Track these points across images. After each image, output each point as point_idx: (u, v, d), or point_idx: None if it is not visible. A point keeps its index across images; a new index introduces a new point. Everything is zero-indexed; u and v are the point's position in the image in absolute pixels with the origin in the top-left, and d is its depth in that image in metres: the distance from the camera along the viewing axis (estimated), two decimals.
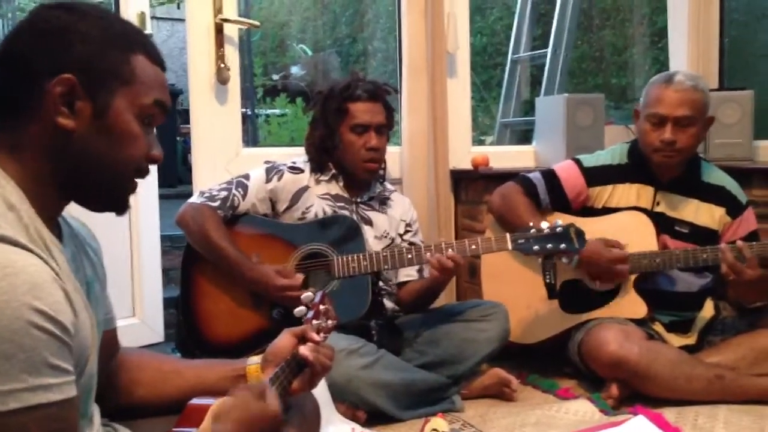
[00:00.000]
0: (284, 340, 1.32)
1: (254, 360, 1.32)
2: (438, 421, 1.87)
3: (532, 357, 2.56)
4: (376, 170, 2.40)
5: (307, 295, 1.46)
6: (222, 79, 2.71)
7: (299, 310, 1.46)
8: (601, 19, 4.52)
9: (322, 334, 1.40)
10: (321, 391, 1.80)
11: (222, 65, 2.70)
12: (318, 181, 2.38)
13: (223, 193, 2.28)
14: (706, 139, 2.99)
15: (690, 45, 3.24)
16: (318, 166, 2.38)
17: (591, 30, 4.51)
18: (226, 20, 2.70)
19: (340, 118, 2.33)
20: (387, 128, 2.39)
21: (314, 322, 1.39)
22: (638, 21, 4.26)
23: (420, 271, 2.42)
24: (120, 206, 1.09)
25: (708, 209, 2.45)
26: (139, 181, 1.09)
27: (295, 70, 6.68)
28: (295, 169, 2.38)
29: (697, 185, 2.47)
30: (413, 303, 2.39)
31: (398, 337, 2.34)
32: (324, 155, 2.38)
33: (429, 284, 2.31)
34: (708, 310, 2.48)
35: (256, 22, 3.32)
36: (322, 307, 1.45)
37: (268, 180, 2.33)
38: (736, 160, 2.95)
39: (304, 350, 1.28)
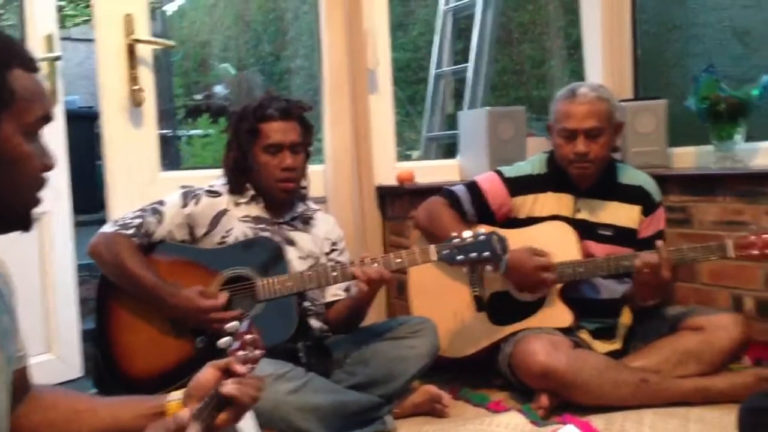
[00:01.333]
0: (207, 373, 1.27)
1: (175, 396, 1.26)
2: None
3: (463, 370, 2.55)
4: (293, 189, 2.34)
5: (232, 324, 1.40)
6: (136, 101, 2.62)
7: (224, 341, 1.39)
8: (520, 33, 4.60)
9: (248, 365, 1.34)
10: (246, 421, 1.74)
11: (135, 87, 2.61)
12: (237, 204, 2.32)
13: (137, 221, 2.20)
14: (624, 148, 3.06)
15: (604, 57, 3.33)
16: (236, 188, 2.32)
17: (510, 44, 4.59)
18: (138, 41, 2.62)
19: (252, 139, 2.27)
20: (303, 146, 2.33)
21: (240, 353, 1.34)
22: (555, 34, 4.35)
23: (347, 290, 2.39)
24: (25, 224, 1.05)
25: (627, 209, 2.51)
26: (51, 207, 1.06)
27: (218, 89, 6.59)
28: (213, 193, 2.31)
29: (614, 187, 2.53)
30: (342, 322, 2.35)
31: (327, 358, 2.29)
32: (241, 177, 2.32)
33: (356, 300, 2.27)
34: (628, 315, 2.52)
35: (171, 42, 3.26)
36: (248, 336, 1.38)
37: (185, 205, 2.26)
38: (652, 167, 3.02)
39: (227, 387, 1.23)
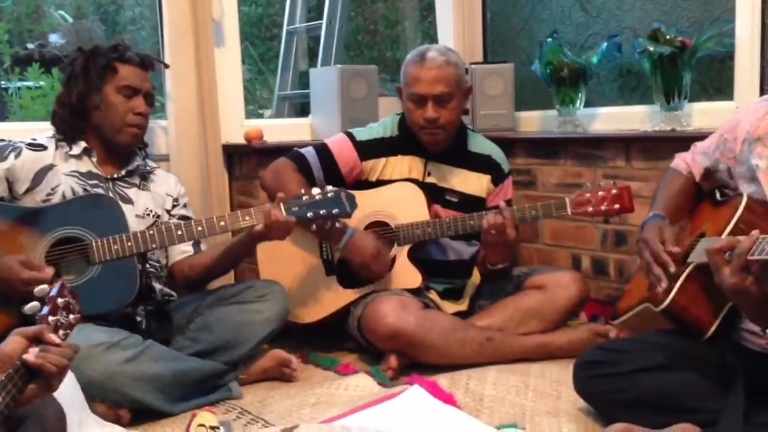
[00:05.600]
0: (12, 342, 1.16)
1: None
2: (205, 416, 1.75)
3: (314, 335, 2.52)
4: (140, 137, 2.24)
5: (40, 288, 1.28)
6: None
7: (30, 306, 1.26)
8: None
9: (61, 332, 1.23)
10: (71, 394, 1.61)
11: None
12: (66, 158, 2.13)
13: None
14: (473, 110, 3.10)
15: (455, 20, 3.34)
16: (69, 134, 2.14)
17: (365, 3, 4.53)
18: None
19: (106, 76, 2.14)
20: (153, 99, 2.25)
21: (51, 318, 1.22)
22: None
23: (196, 244, 2.27)
24: None
25: (476, 178, 2.54)
26: None
27: (54, 38, 6.06)
28: (36, 146, 2.11)
29: (464, 155, 2.55)
30: (196, 279, 2.26)
31: (168, 324, 2.17)
32: (79, 120, 2.15)
33: (235, 245, 2.21)
34: (477, 275, 2.57)
35: None
36: (60, 300, 1.27)
37: (3, 159, 2.04)
38: (500, 131, 3.09)
39: (29, 356, 1.12)
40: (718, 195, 1.80)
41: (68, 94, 2.16)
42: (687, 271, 1.65)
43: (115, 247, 1.98)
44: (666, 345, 1.66)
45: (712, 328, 1.63)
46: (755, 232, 1.35)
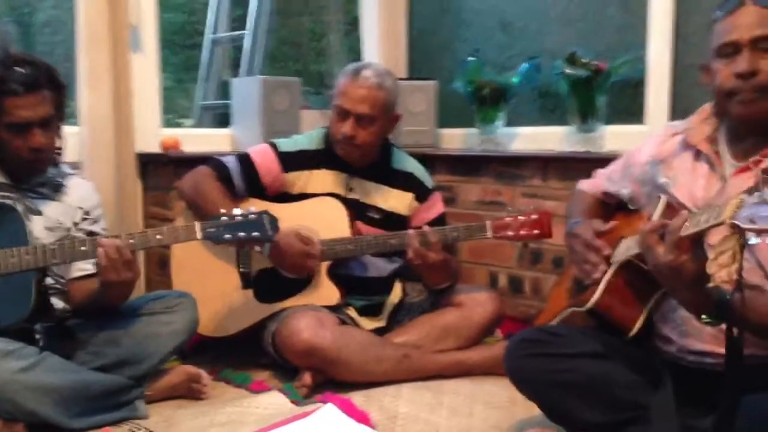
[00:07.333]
0: None
1: None
2: None
3: (228, 350, 2.46)
4: (47, 164, 2.08)
5: None
6: None
7: None
8: (300, 4, 4.52)
9: None
10: None
11: None
12: None
13: None
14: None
15: (381, 35, 3.35)
16: None
17: (290, 15, 4.50)
18: None
19: None
20: (56, 116, 2.04)
21: None
22: (334, 9, 4.33)
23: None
24: None
25: (398, 195, 2.52)
26: None
27: None
28: None
29: (388, 172, 2.53)
30: (88, 304, 2.09)
31: (70, 340, 2.06)
32: None
33: (99, 287, 2.01)
34: (396, 293, 2.56)
35: None
36: None
37: None
38: (422, 147, 3.10)
39: None
40: (630, 205, 1.86)
41: None
42: (611, 270, 1.69)
43: (13, 260, 1.87)
44: (596, 337, 1.68)
45: (637, 326, 1.66)
46: (684, 212, 1.38)
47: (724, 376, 1.35)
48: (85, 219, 2.18)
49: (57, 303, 2.09)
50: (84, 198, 2.19)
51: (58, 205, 2.13)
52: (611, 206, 1.95)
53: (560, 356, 1.64)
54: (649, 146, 1.80)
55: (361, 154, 2.43)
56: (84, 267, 2.13)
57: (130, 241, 1.94)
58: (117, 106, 2.66)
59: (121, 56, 2.66)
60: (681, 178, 1.67)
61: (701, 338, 1.57)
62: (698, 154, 1.66)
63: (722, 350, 1.50)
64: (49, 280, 2.06)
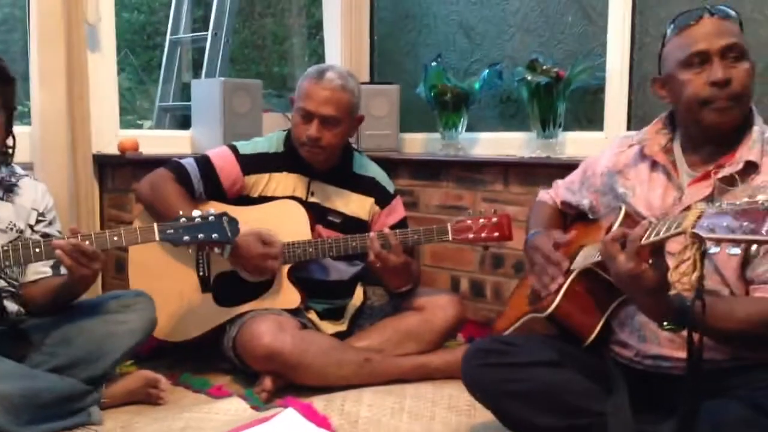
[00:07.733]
0: None
1: None
2: None
3: (186, 355, 2.42)
4: None
5: None
6: None
7: None
8: (263, 7, 4.49)
9: None
10: None
11: None
12: None
13: None
14: (358, 130, 3.10)
15: (343, 39, 3.35)
16: None
17: (253, 17, 4.47)
18: None
19: None
20: (4, 111, 2.01)
21: None
22: (297, 12, 4.31)
23: (56, 267, 2.11)
24: None
25: (359, 200, 2.51)
26: None
27: None
28: None
29: (349, 176, 2.52)
30: (47, 304, 2.06)
31: (24, 344, 2.01)
32: None
33: (66, 281, 2.01)
34: (358, 296, 2.55)
35: None
36: None
37: None
38: (384, 151, 3.10)
39: None
40: (590, 215, 1.88)
41: None
42: (571, 277, 1.70)
43: None
44: (552, 345, 1.69)
45: (594, 334, 1.68)
46: (645, 221, 1.40)
47: (684, 381, 1.37)
48: (40, 221, 2.13)
49: (10, 306, 2.03)
50: (37, 200, 2.14)
51: (11, 206, 2.08)
52: (570, 216, 1.98)
53: (515, 365, 1.64)
54: (606, 157, 1.83)
55: (326, 156, 2.42)
56: (41, 270, 2.09)
57: (86, 243, 1.91)
58: (72, 106, 2.61)
59: (77, 55, 2.60)
60: (638, 189, 1.71)
61: (658, 343, 1.60)
62: (654, 165, 1.70)
63: (679, 354, 1.53)
64: (1, 283, 2.01)
